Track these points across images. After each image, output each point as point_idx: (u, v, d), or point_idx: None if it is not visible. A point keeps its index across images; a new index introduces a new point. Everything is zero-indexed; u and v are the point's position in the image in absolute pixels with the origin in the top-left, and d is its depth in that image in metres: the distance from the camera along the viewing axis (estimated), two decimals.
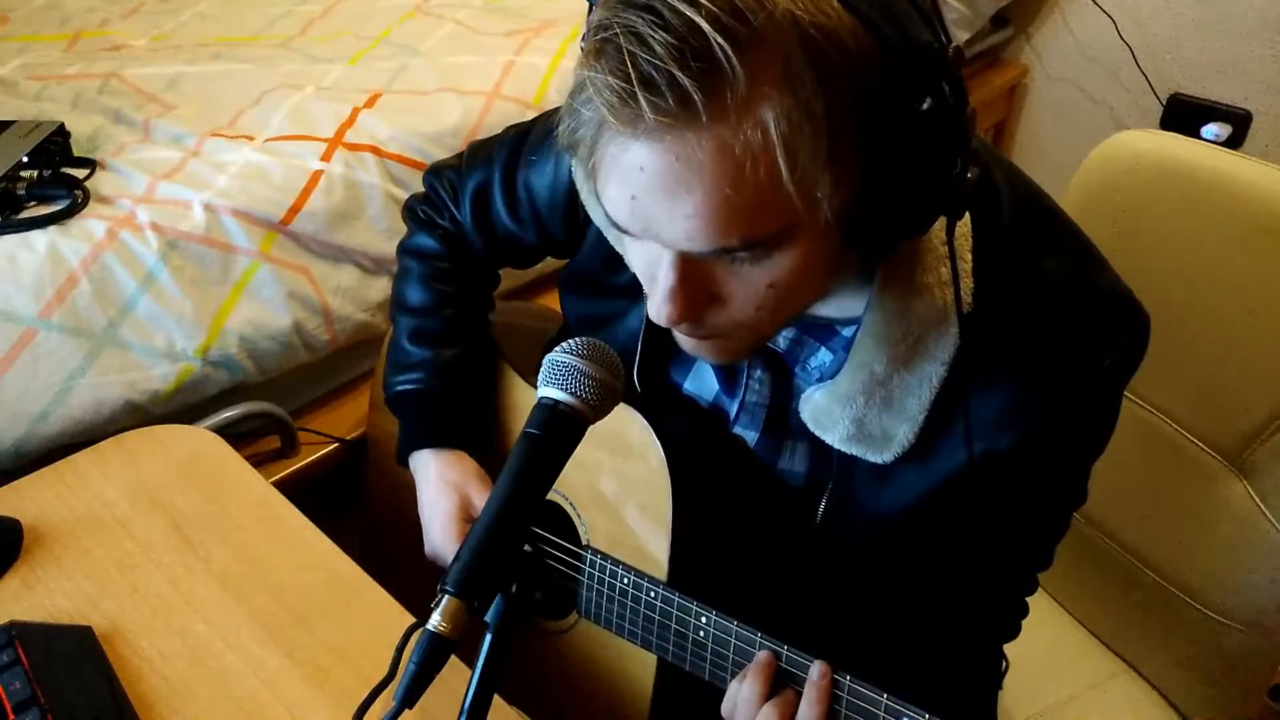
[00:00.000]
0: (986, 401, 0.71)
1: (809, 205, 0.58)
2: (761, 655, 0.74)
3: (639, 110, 0.54)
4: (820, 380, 0.77)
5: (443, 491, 0.95)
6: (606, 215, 0.62)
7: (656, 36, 0.53)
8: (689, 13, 0.53)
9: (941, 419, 0.72)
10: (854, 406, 0.73)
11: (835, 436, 0.75)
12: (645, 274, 0.66)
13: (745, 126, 0.55)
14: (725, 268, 0.62)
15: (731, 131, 0.55)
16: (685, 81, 0.53)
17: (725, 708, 0.76)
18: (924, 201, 0.61)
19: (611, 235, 0.81)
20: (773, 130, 0.55)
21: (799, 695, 0.72)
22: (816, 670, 0.71)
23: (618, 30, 0.54)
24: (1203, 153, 0.98)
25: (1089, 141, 1.07)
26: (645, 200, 0.58)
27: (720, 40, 0.53)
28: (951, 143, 0.59)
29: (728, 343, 0.69)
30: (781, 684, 0.73)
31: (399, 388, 1.00)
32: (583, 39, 0.58)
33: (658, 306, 0.63)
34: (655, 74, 0.53)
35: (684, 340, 0.70)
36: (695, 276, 0.62)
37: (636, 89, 0.54)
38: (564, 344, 0.67)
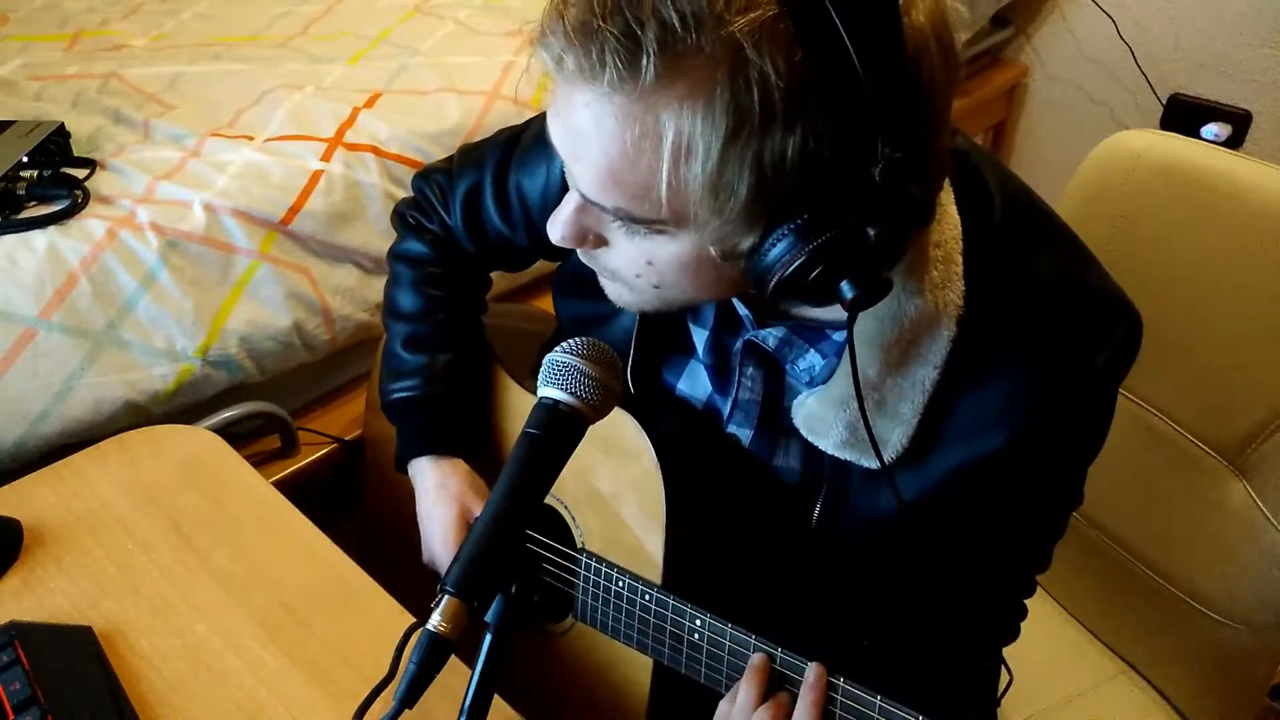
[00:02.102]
0: (979, 402, 0.71)
1: (677, 218, 0.60)
2: (756, 658, 0.74)
3: (566, 54, 0.57)
4: (810, 384, 0.77)
5: (441, 500, 0.94)
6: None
7: None
8: None
9: (934, 421, 0.72)
10: (848, 411, 0.73)
11: (829, 443, 0.75)
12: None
13: (644, 119, 0.57)
14: (612, 223, 0.65)
15: (630, 114, 0.57)
16: (609, 50, 0.55)
17: (719, 718, 0.76)
18: (814, 281, 0.60)
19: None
20: (668, 136, 0.57)
21: (793, 698, 0.72)
22: (812, 673, 0.71)
23: None
24: (1203, 153, 0.98)
25: (1089, 141, 1.07)
26: (563, 127, 0.62)
27: (653, 38, 0.54)
28: (858, 243, 0.59)
29: (626, 291, 0.72)
30: (776, 686, 0.73)
31: (395, 395, 0.99)
32: None
33: (550, 222, 0.68)
34: (594, 30, 0.55)
35: (600, 279, 0.74)
36: (590, 216, 0.66)
37: (573, 34, 0.56)
38: (564, 344, 0.67)
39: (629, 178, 0.59)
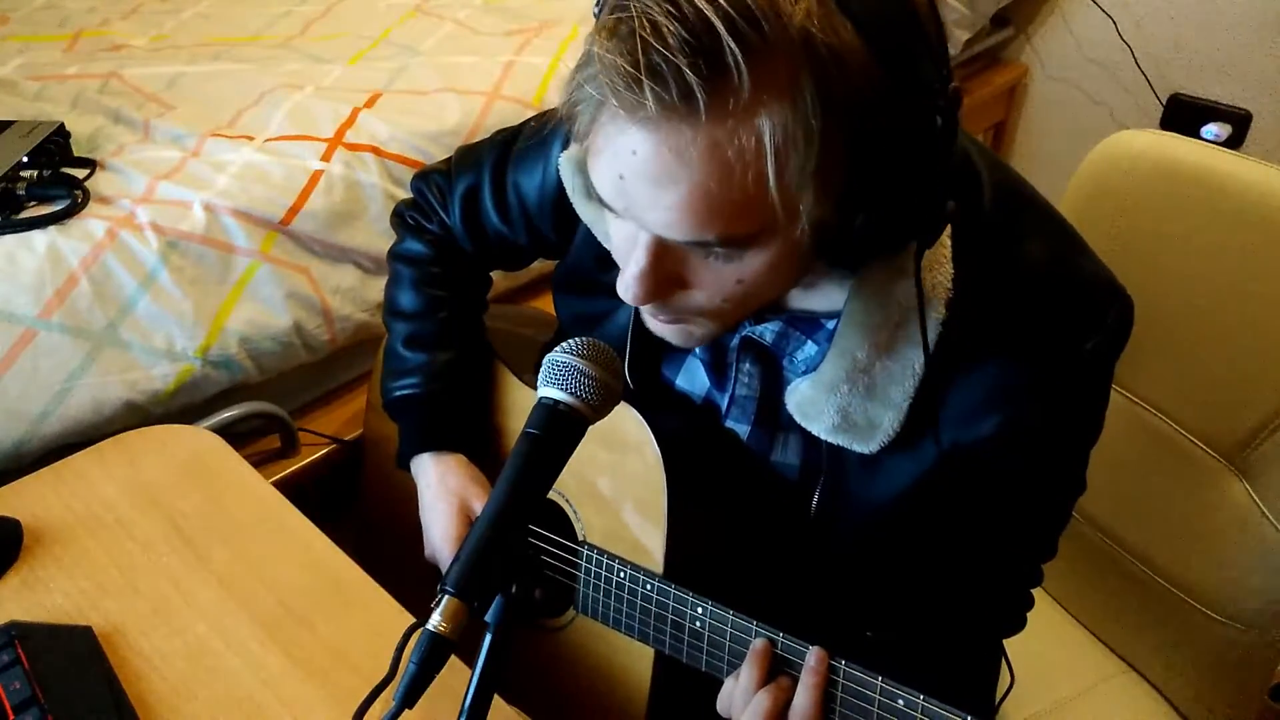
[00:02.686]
0: (970, 386, 0.71)
1: (789, 214, 0.60)
2: (758, 642, 0.74)
3: (642, 98, 0.55)
4: (806, 372, 0.77)
5: (442, 496, 0.95)
6: (593, 190, 0.64)
7: (671, 28, 0.54)
8: (706, 9, 0.54)
9: (926, 406, 0.72)
10: (838, 395, 0.73)
11: (821, 427, 0.75)
12: (622, 251, 0.67)
13: (741, 131, 0.56)
14: (698, 258, 0.64)
15: (727, 134, 0.56)
16: (691, 78, 0.54)
17: (721, 703, 0.76)
18: (897, 227, 0.63)
19: (589, 214, 0.82)
20: (767, 139, 0.56)
21: (794, 681, 0.72)
22: (813, 657, 0.71)
23: (634, 13, 0.55)
24: (1203, 153, 0.98)
25: (1089, 141, 1.07)
26: (632, 182, 0.60)
27: (732, 44, 0.54)
28: (934, 178, 0.61)
29: (691, 328, 0.71)
30: (777, 671, 0.74)
31: (396, 393, 1.00)
32: (597, 6, 0.60)
33: (626, 284, 0.65)
34: (664, 65, 0.54)
35: (650, 322, 0.72)
36: (667, 261, 0.64)
37: (643, 77, 0.55)
38: (564, 344, 0.67)
39: (734, 198, 0.58)
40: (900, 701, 0.68)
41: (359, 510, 1.20)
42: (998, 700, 0.93)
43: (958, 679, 0.86)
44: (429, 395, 0.98)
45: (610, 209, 0.64)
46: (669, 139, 0.57)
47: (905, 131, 0.59)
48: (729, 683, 0.76)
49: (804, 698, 0.71)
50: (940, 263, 0.70)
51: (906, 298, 0.69)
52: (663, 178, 0.58)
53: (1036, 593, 0.88)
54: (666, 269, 0.65)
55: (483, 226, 0.97)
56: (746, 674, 0.74)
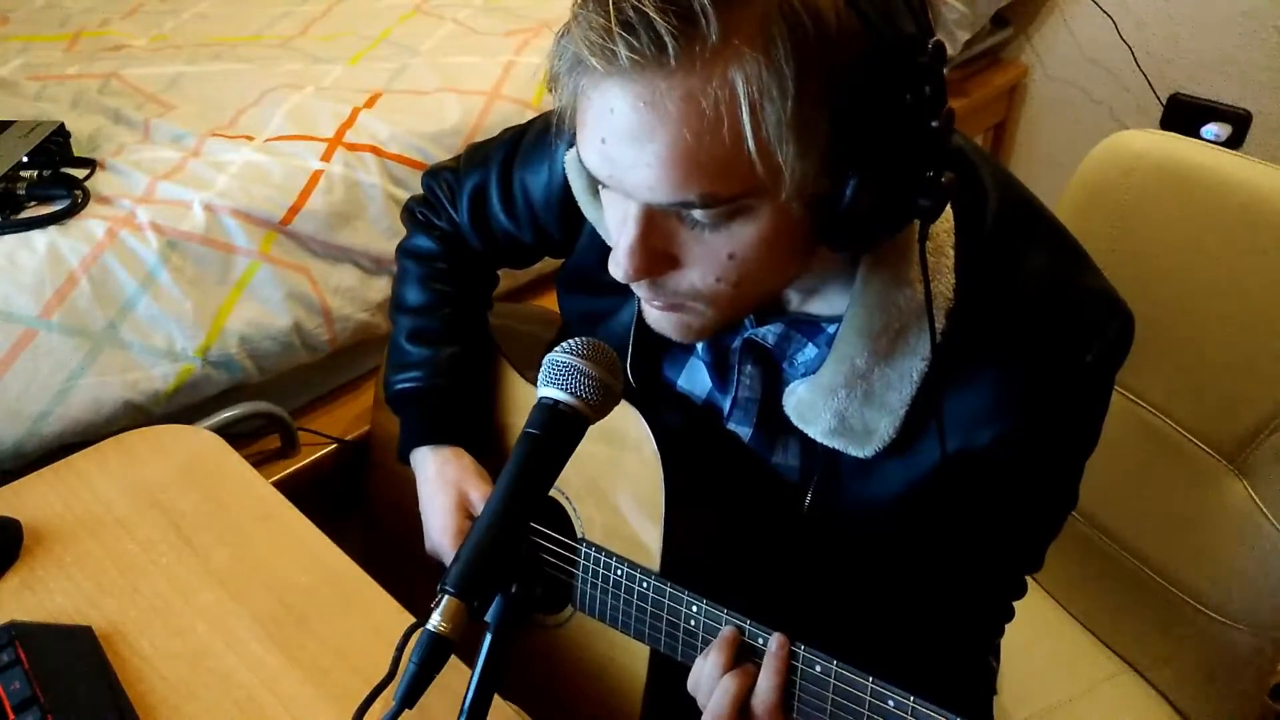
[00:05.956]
0: (967, 397, 0.71)
1: (770, 173, 0.59)
2: (725, 630, 0.75)
3: (614, 48, 0.56)
4: (805, 375, 0.77)
5: (440, 489, 0.95)
6: (584, 168, 0.64)
7: None
8: None
9: (923, 414, 0.72)
10: (836, 399, 0.73)
11: (818, 430, 0.75)
12: (615, 233, 0.67)
13: (714, 81, 0.57)
14: (687, 231, 0.64)
15: (700, 83, 0.57)
16: (661, 27, 0.55)
17: (690, 682, 0.77)
18: (892, 198, 0.62)
19: (593, 212, 0.82)
20: (740, 89, 0.57)
21: (759, 667, 0.73)
22: (774, 642, 0.72)
23: None
24: (1203, 153, 0.98)
25: (1089, 141, 1.07)
26: (613, 144, 0.60)
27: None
28: (924, 140, 0.60)
29: (689, 318, 0.70)
30: (744, 657, 0.75)
31: (398, 386, 1.00)
32: None
33: (616, 260, 0.65)
34: (635, 16, 0.55)
35: (649, 312, 0.72)
36: (657, 234, 0.64)
37: (615, 28, 0.56)
38: (563, 344, 0.67)
39: (713, 152, 0.58)
40: (853, 684, 0.69)
41: (362, 509, 1.20)
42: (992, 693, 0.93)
43: (944, 683, 0.86)
44: (431, 389, 0.99)
45: (598, 180, 0.64)
46: (643, 91, 0.57)
47: (887, 87, 0.59)
48: (699, 662, 0.76)
49: (766, 681, 0.72)
50: (943, 272, 0.69)
51: (908, 306, 0.69)
52: (640, 133, 0.59)
53: (1038, 593, 0.88)
54: (656, 244, 0.65)
55: (490, 224, 0.98)
56: (714, 658, 0.74)
